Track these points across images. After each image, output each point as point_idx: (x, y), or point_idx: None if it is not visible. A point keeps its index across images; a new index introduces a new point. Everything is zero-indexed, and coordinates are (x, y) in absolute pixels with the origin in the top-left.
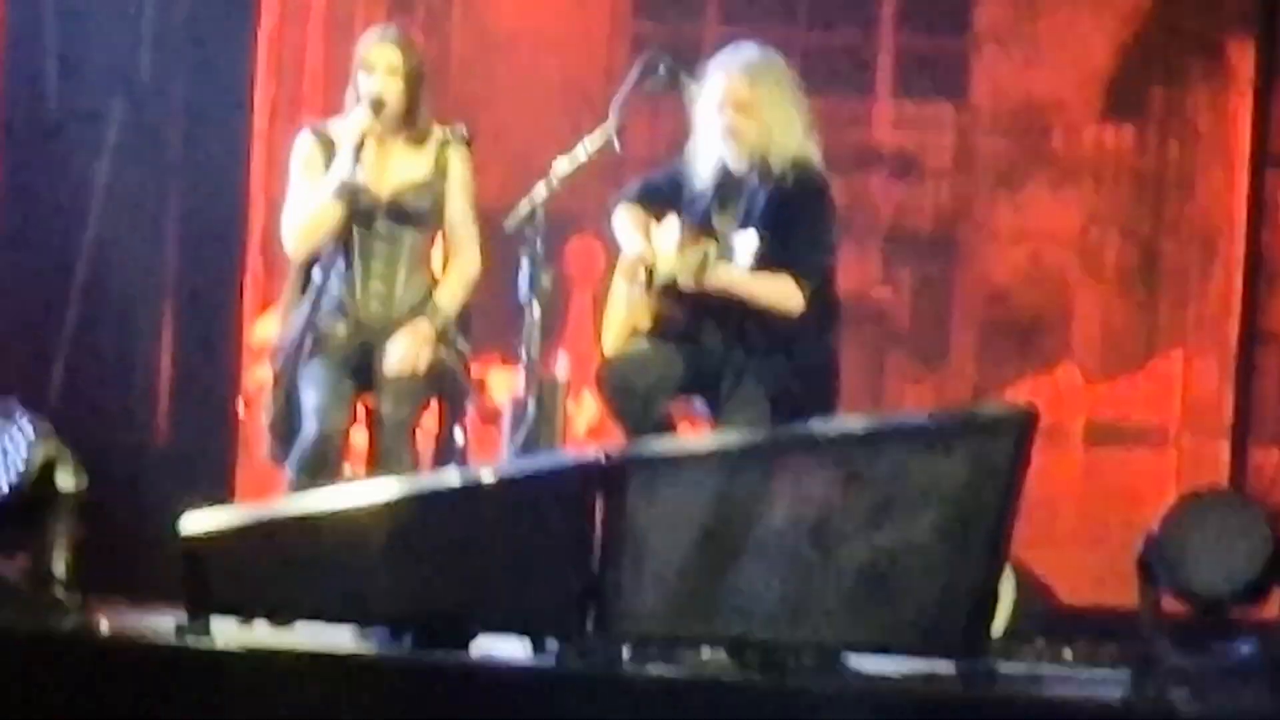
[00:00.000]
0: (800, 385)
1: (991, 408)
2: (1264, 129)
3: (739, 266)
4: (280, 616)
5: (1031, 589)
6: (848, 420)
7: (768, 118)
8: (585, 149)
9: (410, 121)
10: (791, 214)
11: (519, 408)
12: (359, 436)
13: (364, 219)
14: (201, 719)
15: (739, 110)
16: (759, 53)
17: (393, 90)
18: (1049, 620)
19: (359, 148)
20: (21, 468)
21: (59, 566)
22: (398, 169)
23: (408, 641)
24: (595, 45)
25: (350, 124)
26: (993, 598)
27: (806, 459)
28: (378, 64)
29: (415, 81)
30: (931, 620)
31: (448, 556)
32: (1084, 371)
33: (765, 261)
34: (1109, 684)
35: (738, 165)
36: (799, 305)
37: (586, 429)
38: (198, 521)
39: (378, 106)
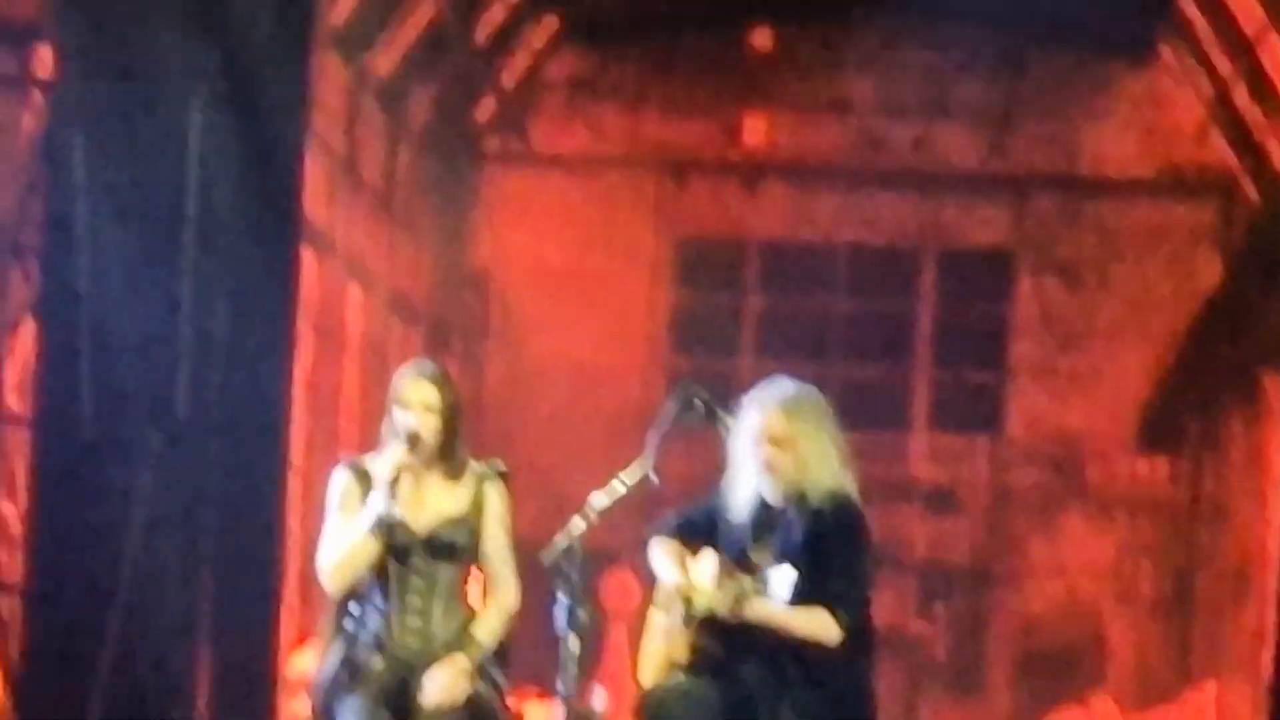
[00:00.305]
0: (837, 716)
1: None
2: None
3: (776, 599)
4: None
5: None
6: None
7: (804, 452)
8: (622, 482)
9: (447, 456)
10: (828, 547)
11: None
12: None
13: (401, 554)
14: None
15: (775, 445)
16: (795, 387)
17: (429, 426)
18: None
19: (394, 483)
20: None
21: None
22: (434, 503)
23: None
24: (631, 379)
25: (386, 459)
26: None
27: None
28: (413, 400)
29: (451, 417)
30: None
31: None
32: (1119, 702)
33: (802, 594)
34: None
35: (774, 498)
36: (836, 638)
37: None
38: None
39: (414, 442)
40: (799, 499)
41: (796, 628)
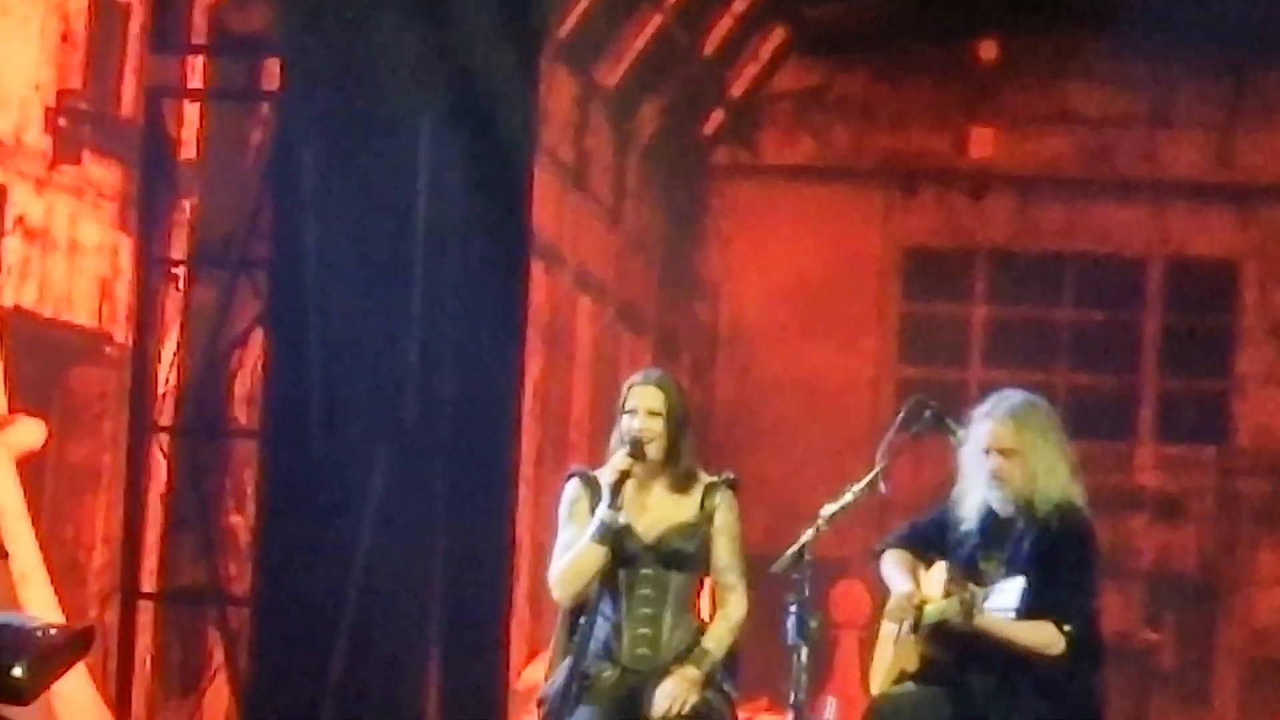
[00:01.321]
0: None
1: None
2: None
3: (1004, 610)
4: None
5: None
6: None
7: (1033, 463)
8: (851, 492)
9: (674, 463)
10: (1056, 558)
11: None
12: None
13: (629, 562)
14: None
15: (1004, 455)
16: (1023, 399)
17: (654, 431)
18: None
19: (618, 488)
20: None
21: None
22: (663, 512)
23: None
24: (860, 390)
25: (611, 465)
26: None
27: None
28: (639, 406)
29: (678, 423)
30: None
31: None
32: None
33: (1030, 605)
34: None
35: (1004, 508)
36: (1060, 650)
37: None
38: None
39: (638, 448)
40: (1028, 509)
41: (1021, 639)
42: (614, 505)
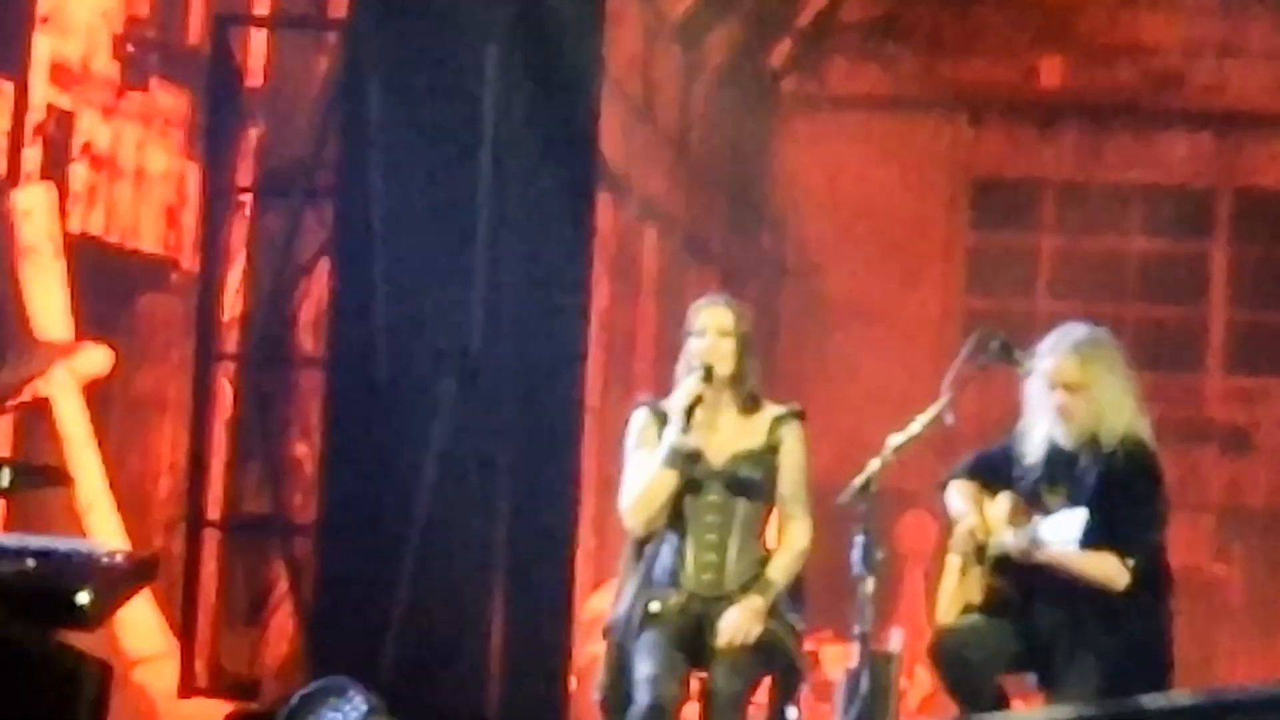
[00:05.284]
0: (1133, 660)
1: None
2: None
3: (1065, 540)
4: None
5: None
6: (1180, 695)
7: (1098, 397)
8: (918, 423)
9: (741, 386)
10: (1121, 491)
11: (852, 682)
12: (691, 713)
13: (696, 488)
14: None
15: (1069, 390)
16: (1088, 333)
17: (724, 351)
18: None
19: (689, 411)
20: None
21: None
22: (731, 438)
23: None
24: (927, 321)
25: (681, 389)
26: None
27: None
28: (708, 327)
29: (746, 344)
30: None
31: None
32: None
33: (1094, 538)
34: None
35: (1068, 442)
36: (1124, 583)
37: (920, 703)
38: None
39: (709, 370)
40: (1092, 443)
41: (1086, 571)
42: (685, 429)
